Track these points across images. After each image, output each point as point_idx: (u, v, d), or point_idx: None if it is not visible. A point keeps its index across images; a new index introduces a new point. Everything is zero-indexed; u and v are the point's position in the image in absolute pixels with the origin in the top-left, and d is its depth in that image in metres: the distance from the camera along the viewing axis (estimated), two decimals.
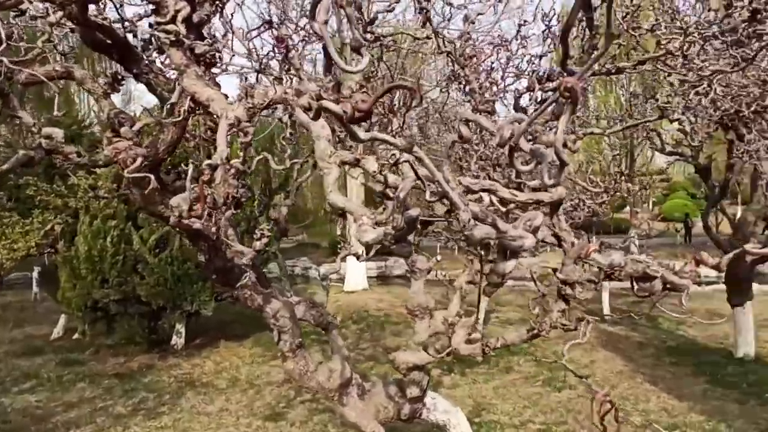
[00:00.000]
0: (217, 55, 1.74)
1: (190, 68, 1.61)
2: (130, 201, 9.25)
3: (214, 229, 2.90)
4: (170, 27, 1.57)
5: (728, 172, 7.28)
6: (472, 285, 4.30)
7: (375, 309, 13.25)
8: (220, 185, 1.44)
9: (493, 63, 4.18)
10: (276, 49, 2.59)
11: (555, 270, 2.37)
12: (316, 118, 1.17)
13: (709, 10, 6.18)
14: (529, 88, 3.71)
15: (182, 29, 1.58)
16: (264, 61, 4.20)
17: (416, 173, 1.22)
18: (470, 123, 1.63)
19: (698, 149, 7.34)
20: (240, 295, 3.56)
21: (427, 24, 2.79)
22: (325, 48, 1.09)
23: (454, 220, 1.22)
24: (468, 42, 4.28)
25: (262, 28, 2.40)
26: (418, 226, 1.50)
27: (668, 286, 1.42)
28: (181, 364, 8.74)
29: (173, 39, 1.60)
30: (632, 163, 23.95)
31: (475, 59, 4.29)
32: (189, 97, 1.59)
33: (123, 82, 2.82)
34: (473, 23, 4.20)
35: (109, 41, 2.35)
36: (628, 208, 25.93)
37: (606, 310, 11.69)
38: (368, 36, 2.73)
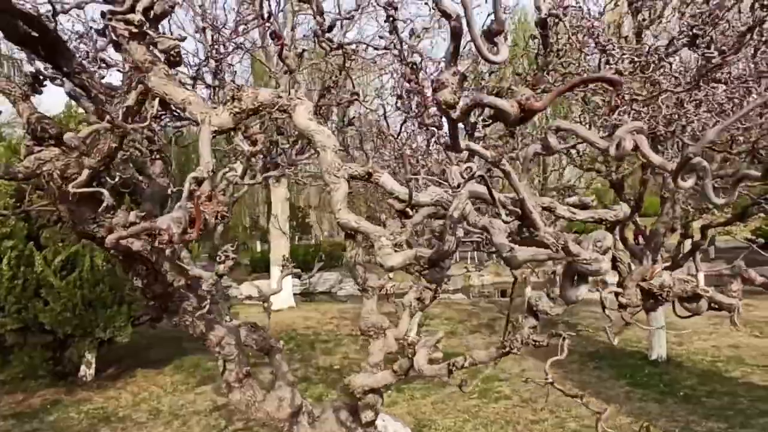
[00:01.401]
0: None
1: (158, 65, 1.38)
2: (30, 218, 8.35)
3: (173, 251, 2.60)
4: (130, 17, 1.33)
5: (641, 187, 7.81)
6: (420, 302, 4.21)
7: (303, 327, 12.88)
8: (211, 202, 1.22)
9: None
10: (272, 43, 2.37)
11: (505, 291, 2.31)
12: (462, 118, 1.02)
13: (620, 38, 6.63)
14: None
15: (139, 20, 1.35)
16: (200, 68, 3.90)
17: (490, 191, 1.09)
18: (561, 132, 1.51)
19: (617, 166, 7.82)
20: (180, 322, 3.24)
21: (389, 34, 2.70)
22: (453, 32, 0.93)
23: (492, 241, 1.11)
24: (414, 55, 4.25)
25: (256, 22, 2.18)
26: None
27: (714, 305, 1.39)
28: (92, 398, 7.92)
29: (134, 31, 1.36)
30: (545, 179, 25.34)
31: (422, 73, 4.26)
32: (157, 99, 1.36)
33: (45, 82, 2.46)
34: (419, 37, 4.18)
35: (35, 34, 2.02)
36: None
37: None
38: (325, 45, 2.59)
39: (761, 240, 18.37)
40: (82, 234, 2.48)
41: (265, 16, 2.35)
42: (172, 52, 1.45)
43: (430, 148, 5.16)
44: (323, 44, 2.57)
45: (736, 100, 4.71)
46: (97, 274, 8.18)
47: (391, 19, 2.45)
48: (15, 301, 7.65)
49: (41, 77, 2.42)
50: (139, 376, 8.97)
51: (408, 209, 1.29)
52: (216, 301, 3.61)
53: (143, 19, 1.36)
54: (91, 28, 1.99)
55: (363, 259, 4.20)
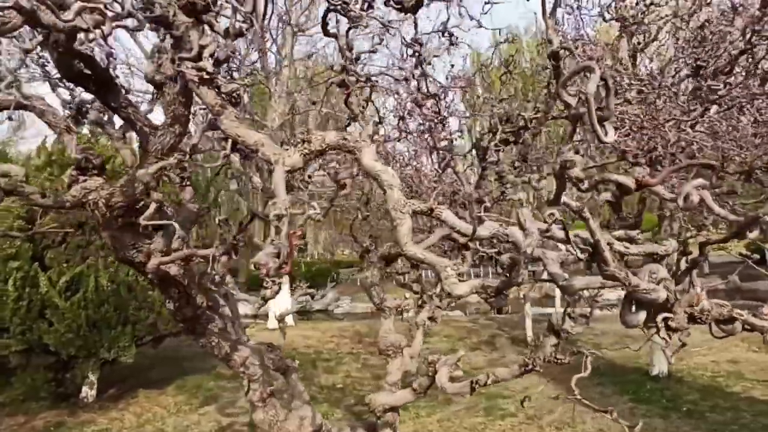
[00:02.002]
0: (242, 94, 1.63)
1: (228, 109, 1.49)
2: (35, 239, 8.37)
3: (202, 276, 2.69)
4: (201, 64, 1.45)
5: (640, 204, 7.99)
6: (432, 321, 4.31)
7: (304, 346, 12.87)
8: (288, 236, 1.32)
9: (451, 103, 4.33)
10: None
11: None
12: (590, 190, 1.13)
13: (620, 62, 6.83)
14: (492, 131, 3.86)
15: (210, 66, 1.47)
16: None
17: (566, 233, 1.21)
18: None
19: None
20: (206, 343, 3.32)
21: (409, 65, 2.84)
22: (575, 117, 1.05)
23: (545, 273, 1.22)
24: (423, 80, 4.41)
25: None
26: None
27: (747, 326, 1.50)
28: (96, 420, 7.88)
29: (205, 77, 1.48)
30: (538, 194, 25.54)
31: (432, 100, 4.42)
32: (230, 140, 1.47)
33: (88, 114, 2.57)
34: (429, 64, 4.34)
35: (88, 71, 2.14)
36: None
37: (530, 336, 12.20)
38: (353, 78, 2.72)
39: (756, 255, 18.60)
40: (123, 259, 2.57)
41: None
42: (233, 95, 1.57)
43: (438, 170, 5.30)
44: (350, 77, 2.70)
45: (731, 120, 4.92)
46: (102, 294, 8.19)
47: (417, 54, 2.59)
48: (20, 322, 7.64)
49: (85, 109, 2.54)
50: (142, 397, 8.93)
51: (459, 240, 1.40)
52: (235, 322, 3.70)
53: (213, 67, 1.48)
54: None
55: (376, 280, 4.30)
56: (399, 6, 1.74)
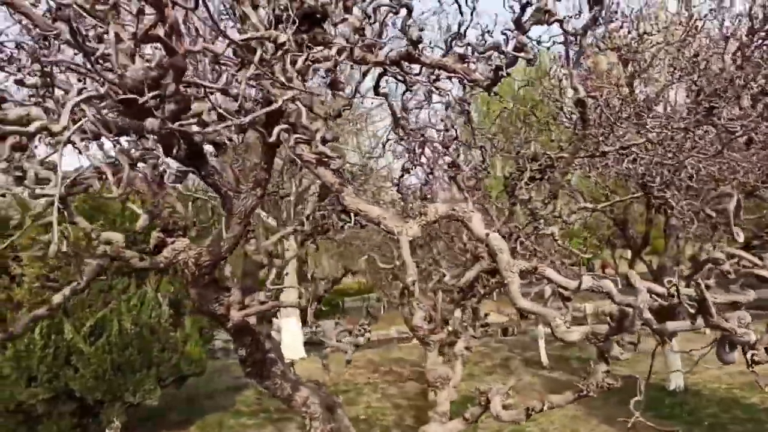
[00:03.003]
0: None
1: (347, 187, 1.72)
2: (60, 287, 8.49)
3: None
4: (321, 149, 1.69)
5: (648, 225, 8.29)
6: (469, 351, 4.50)
7: (320, 378, 12.89)
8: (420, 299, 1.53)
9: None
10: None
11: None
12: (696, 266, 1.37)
13: (613, 85, 7.15)
14: (521, 169, 4.13)
15: (328, 151, 1.71)
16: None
17: (678, 290, 1.44)
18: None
19: (624, 206, 8.32)
20: (270, 385, 3.49)
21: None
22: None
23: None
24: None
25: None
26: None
27: None
28: None
29: (323, 159, 1.72)
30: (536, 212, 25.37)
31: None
32: (353, 213, 1.70)
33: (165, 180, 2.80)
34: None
35: (184, 145, 2.38)
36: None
37: (544, 357, 12.32)
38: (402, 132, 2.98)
39: None
40: (206, 312, 2.77)
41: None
42: (339, 169, 1.81)
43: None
44: (400, 131, 2.96)
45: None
46: (126, 337, 8.30)
47: (466, 112, 2.85)
48: (47, 370, 7.72)
49: (164, 174, 2.77)
50: None
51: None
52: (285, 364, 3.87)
53: (328, 151, 1.72)
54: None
55: (421, 316, 4.50)
56: (473, 83, 1.99)
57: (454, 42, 2.22)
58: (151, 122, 1.42)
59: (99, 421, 8.57)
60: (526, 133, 5.15)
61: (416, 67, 2.52)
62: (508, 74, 1.80)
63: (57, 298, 2.37)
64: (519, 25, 1.69)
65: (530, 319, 14.06)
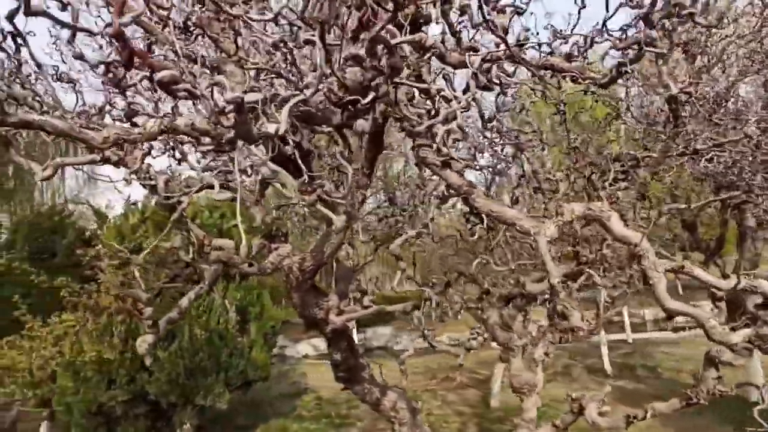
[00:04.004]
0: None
1: (476, 189, 1.74)
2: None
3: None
4: (445, 150, 1.71)
5: (722, 227, 7.92)
6: (547, 357, 4.42)
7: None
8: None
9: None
10: None
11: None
12: None
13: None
14: (602, 171, 4.03)
15: (453, 152, 1.73)
16: None
17: None
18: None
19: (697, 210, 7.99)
20: (359, 390, 3.53)
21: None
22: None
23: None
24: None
25: None
26: None
27: None
28: None
29: (447, 161, 1.74)
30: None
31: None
32: (485, 215, 1.72)
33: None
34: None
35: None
36: None
37: (607, 365, 11.94)
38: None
39: None
40: (306, 317, 2.85)
41: None
42: (459, 171, 1.83)
43: None
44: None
45: None
46: (196, 343, 8.60)
47: (563, 114, 2.82)
48: (125, 373, 8.08)
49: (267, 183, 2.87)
50: None
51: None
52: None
53: (454, 154, 1.74)
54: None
55: (497, 320, 4.46)
56: (588, 81, 1.97)
57: (557, 40, 2.20)
58: (361, 124, 1.48)
59: (172, 423, 8.90)
60: (583, 134, 5.02)
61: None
62: (632, 70, 1.78)
63: (184, 302, 2.49)
64: (647, 20, 1.66)
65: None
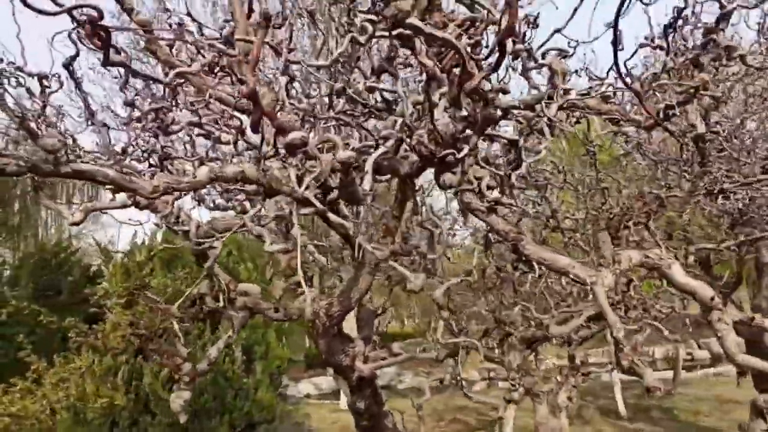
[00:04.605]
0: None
1: (525, 236, 1.68)
2: (139, 333, 8.74)
3: None
4: (489, 195, 1.66)
5: (739, 264, 7.81)
6: (571, 402, 4.25)
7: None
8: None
9: None
10: None
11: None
12: None
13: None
14: (624, 211, 3.98)
15: (503, 198, 1.67)
16: None
17: None
18: None
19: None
20: None
21: None
22: None
23: None
24: None
25: None
26: None
27: None
28: None
29: (493, 206, 1.69)
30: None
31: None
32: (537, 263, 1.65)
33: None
34: None
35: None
36: None
37: (621, 407, 11.63)
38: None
39: None
40: (332, 363, 2.74)
41: None
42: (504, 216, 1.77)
43: None
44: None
45: None
46: (201, 384, 8.38)
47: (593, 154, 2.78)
48: (128, 416, 7.85)
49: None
50: None
51: None
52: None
53: (503, 199, 1.69)
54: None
55: (520, 362, 4.33)
56: (631, 123, 1.94)
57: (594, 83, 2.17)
58: (449, 178, 1.42)
59: None
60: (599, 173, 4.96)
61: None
62: (680, 113, 1.74)
63: (212, 352, 2.40)
64: (697, 63, 1.64)
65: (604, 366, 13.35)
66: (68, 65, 1.07)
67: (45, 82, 2.25)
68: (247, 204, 2.96)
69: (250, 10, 2.53)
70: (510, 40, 1.20)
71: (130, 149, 2.40)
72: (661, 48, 2.71)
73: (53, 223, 19.68)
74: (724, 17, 1.79)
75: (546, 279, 5.63)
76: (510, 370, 4.05)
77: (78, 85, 1.26)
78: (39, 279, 10.52)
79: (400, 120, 1.30)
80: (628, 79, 1.73)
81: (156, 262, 8.86)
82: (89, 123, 1.87)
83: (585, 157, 4.17)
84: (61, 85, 1.28)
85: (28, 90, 2.46)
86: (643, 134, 3.32)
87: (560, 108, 1.58)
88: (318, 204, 1.58)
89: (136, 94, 1.86)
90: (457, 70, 1.27)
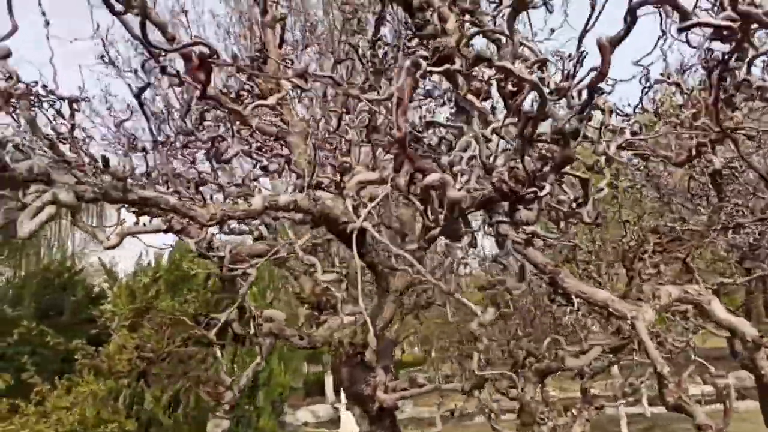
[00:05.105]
0: None
1: (563, 270, 1.68)
2: (142, 357, 8.64)
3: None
4: (529, 230, 1.67)
5: (747, 297, 7.80)
6: None
7: None
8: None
9: None
10: None
11: None
12: None
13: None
14: (639, 242, 3.98)
15: (541, 231, 1.69)
16: None
17: None
18: None
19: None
20: None
21: None
22: None
23: None
24: None
25: None
26: None
27: None
28: None
29: (530, 239, 1.70)
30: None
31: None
32: (574, 296, 1.65)
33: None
34: None
35: None
36: None
37: None
38: None
39: None
40: (352, 392, 2.71)
41: None
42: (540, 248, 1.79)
43: None
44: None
45: None
46: (203, 410, 8.26)
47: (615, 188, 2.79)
48: None
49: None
50: None
51: None
52: None
53: (540, 231, 1.71)
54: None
55: (534, 395, 4.27)
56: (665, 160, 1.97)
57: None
58: (526, 214, 1.44)
59: None
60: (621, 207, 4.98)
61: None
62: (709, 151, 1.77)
63: (242, 380, 2.37)
64: (730, 103, 1.68)
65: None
66: (138, 95, 1.11)
67: (75, 106, 2.30)
68: (263, 229, 2.98)
69: (282, 40, 2.60)
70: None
71: (155, 174, 2.43)
72: (678, 85, 2.77)
73: (55, 242, 19.65)
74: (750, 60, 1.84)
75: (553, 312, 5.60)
76: (537, 403, 3.97)
77: (147, 117, 1.30)
78: (42, 299, 10.46)
79: (466, 156, 1.33)
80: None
81: (161, 284, 8.83)
82: (155, 148, 1.91)
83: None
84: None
85: (59, 112, 2.51)
86: (666, 169, 3.37)
87: (619, 147, 1.61)
88: (375, 233, 1.60)
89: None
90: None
